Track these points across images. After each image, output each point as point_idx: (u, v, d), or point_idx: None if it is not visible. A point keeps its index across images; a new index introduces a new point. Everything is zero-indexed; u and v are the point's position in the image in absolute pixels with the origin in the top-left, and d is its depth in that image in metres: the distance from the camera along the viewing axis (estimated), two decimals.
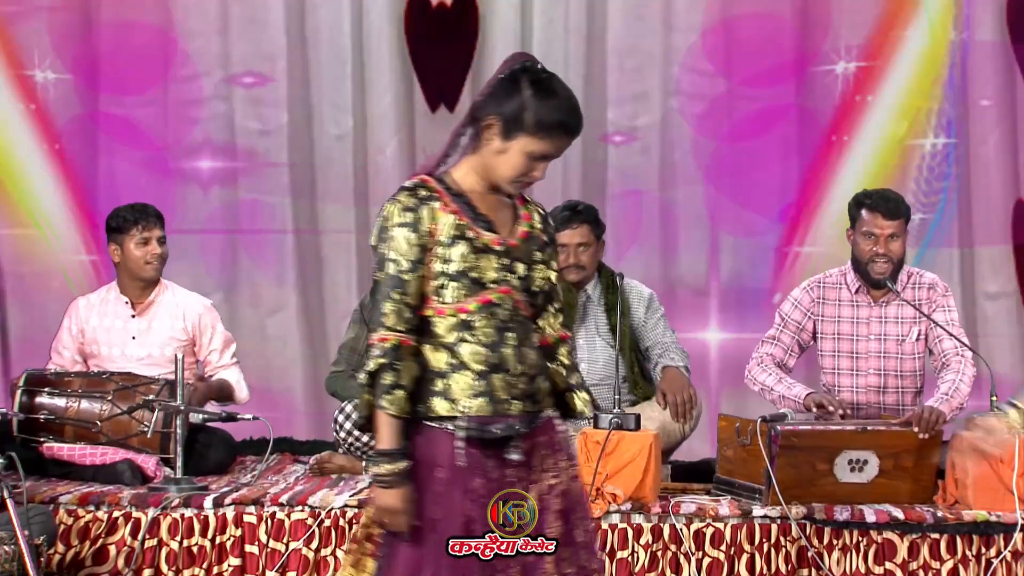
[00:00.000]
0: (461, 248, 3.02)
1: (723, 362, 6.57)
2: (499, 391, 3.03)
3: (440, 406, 3.01)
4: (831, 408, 4.90)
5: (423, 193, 3.04)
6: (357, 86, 6.76)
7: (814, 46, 6.73)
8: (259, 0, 6.76)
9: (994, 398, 4.82)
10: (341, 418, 5.26)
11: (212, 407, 5.35)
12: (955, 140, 6.71)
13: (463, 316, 3.03)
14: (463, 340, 3.03)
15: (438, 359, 3.03)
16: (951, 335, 5.03)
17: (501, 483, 3.03)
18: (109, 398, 5.16)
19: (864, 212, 5.08)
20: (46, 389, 5.20)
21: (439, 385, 3.02)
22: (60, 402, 5.18)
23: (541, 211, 3.21)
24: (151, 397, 5.08)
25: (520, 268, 3.09)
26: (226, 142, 6.77)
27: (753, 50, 6.74)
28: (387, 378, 2.98)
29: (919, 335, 5.13)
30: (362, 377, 3.01)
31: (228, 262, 6.78)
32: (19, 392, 5.16)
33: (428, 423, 3.02)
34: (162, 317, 5.46)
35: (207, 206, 6.77)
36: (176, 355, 4.99)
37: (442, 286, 3.02)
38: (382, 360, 2.98)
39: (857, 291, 5.17)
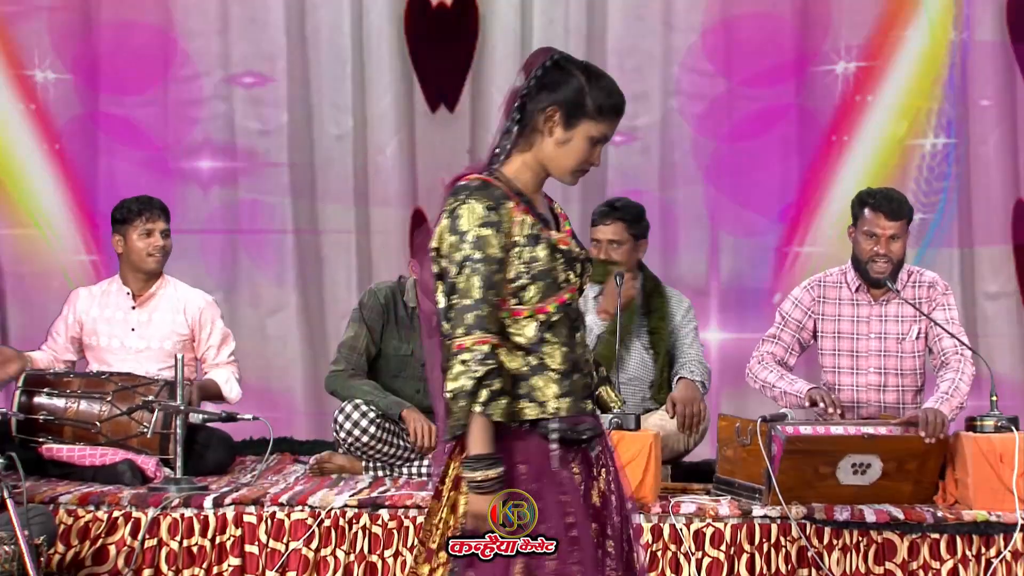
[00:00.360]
0: (541, 248, 2.99)
1: (723, 362, 6.56)
2: (579, 391, 3.03)
3: (529, 409, 2.97)
4: (825, 406, 4.90)
5: (497, 192, 2.99)
6: (357, 86, 6.76)
7: (814, 46, 6.73)
8: (259, 0, 6.76)
9: (994, 398, 4.82)
10: (341, 418, 5.25)
11: (211, 407, 5.36)
12: (955, 140, 6.71)
13: (542, 317, 2.99)
14: (544, 341, 2.99)
15: (516, 361, 2.98)
16: (950, 334, 5.03)
17: (579, 481, 3.02)
18: (108, 399, 5.15)
19: (867, 211, 5.08)
20: (45, 390, 5.19)
21: (523, 388, 2.97)
22: (59, 403, 5.17)
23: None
24: (150, 398, 5.07)
25: (578, 267, 3.07)
26: (226, 142, 6.77)
27: (753, 50, 6.74)
28: (495, 383, 2.90)
29: (919, 334, 5.13)
30: (464, 383, 2.89)
31: (228, 262, 6.78)
32: (18, 392, 5.16)
33: (515, 426, 2.97)
34: (163, 310, 5.47)
35: (207, 206, 6.77)
36: (176, 355, 5.00)
37: (523, 287, 2.98)
38: (490, 364, 2.89)
39: (857, 290, 5.17)
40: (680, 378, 5.33)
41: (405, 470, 5.30)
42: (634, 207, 5.43)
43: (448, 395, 2.91)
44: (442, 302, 2.98)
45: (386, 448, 5.26)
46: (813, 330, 5.23)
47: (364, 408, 5.24)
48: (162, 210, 5.47)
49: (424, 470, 5.28)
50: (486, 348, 2.90)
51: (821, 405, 4.93)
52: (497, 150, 3.06)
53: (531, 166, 3.06)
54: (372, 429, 5.22)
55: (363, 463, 5.30)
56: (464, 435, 2.92)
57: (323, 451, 5.45)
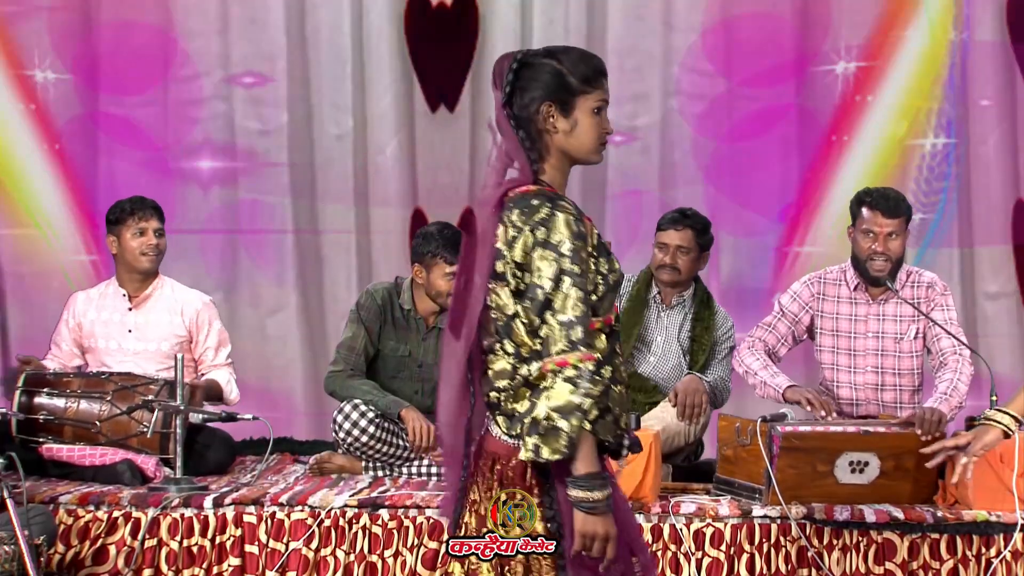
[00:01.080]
0: (610, 259, 2.95)
1: None
2: (627, 403, 2.98)
3: (606, 424, 2.89)
4: (814, 408, 4.90)
5: (570, 202, 2.91)
6: (357, 86, 6.76)
7: (814, 46, 6.73)
8: (259, 0, 6.76)
9: (994, 398, 4.82)
10: (340, 418, 5.25)
11: (211, 407, 5.35)
12: (955, 140, 6.71)
13: (607, 329, 2.92)
14: (612, 352, 2.92)
15: None
16: (949, 334, 5.03)
17: None
18: (108, 398, 5.15)
19: (864, 210, 5.09)
20: (45, 390, 5.19)
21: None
22: (59, 402, 5.17)
23: None
24: (150, 397, 5.08)
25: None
26: (226, 142, 6.77)
27: (753, 50, 6.74)
28: (604, 402, 2.84)
29: (917, 333, 5.13)
30: (574, 400, 2.77)
31: (228, 262, 6.78)
32: (18, 392, 5.16)
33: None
34: (160, 311, 5.47)
35: (207, 206, 6.77)
36: (176, 355, 5.00)
37: (600, 298, 2.91)
38: (600, 382, 2.80)
39: (856, 288, 5.18)
40: (688, 373, 5.36)
41: (405, 470, 5.30)
42: (703, 219, 5.51)
43: (550, 413, 2.78)
44: (514, 313, 2.88)
45: (385, 448, 5.26)
46: (808, 325, 5.25)
47: (363, 408, 5.24)
48: (155, 209, 5.46)
49: (424, 469, 5.29)
50: (591, 365, 2.80)
51: (809, 407, 4.92)
52: (529, 162, 2.97)
53: (557, 167, 3.00)
54: (371, 429, 5.22)
55: (363, 463, 5.30)
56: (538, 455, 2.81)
57: (323, 451, 5.45)
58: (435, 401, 5.30)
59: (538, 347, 2.85)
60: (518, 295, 2.88)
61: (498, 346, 2.91)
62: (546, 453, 2.79)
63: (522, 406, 2.88)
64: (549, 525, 2.90)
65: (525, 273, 2.87)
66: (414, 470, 5.30)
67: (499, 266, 2.90)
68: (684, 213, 5.50)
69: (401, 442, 5.29)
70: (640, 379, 5.39)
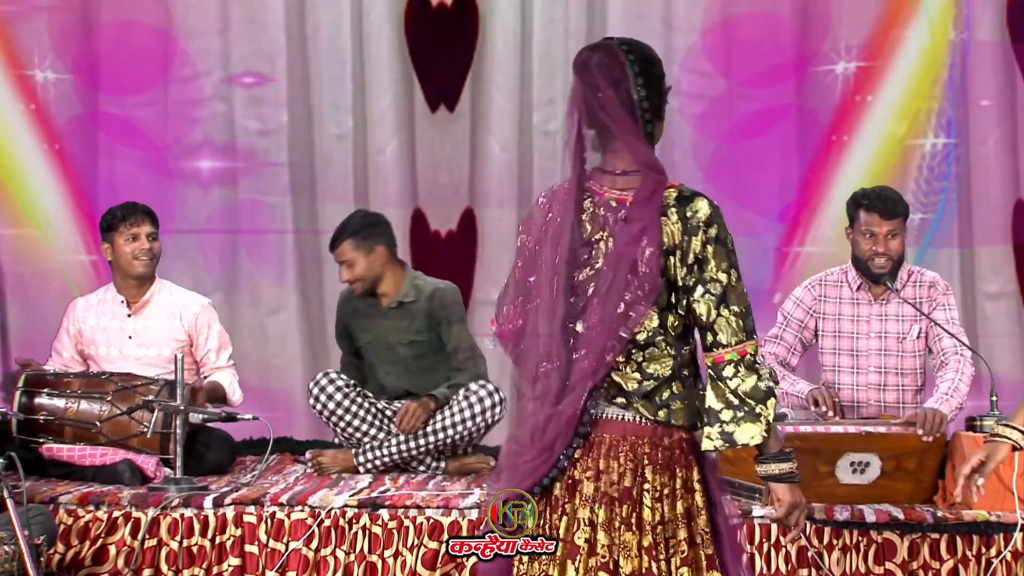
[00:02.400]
0: None
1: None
2: None
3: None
4: (826, 408, 4.91)
5: None
6: (357, 86, 6.76)
7: (814, 46, 6.73)
8: (259, 0, 6.76)
9: (994, 398, 4.82)
10: (316, 390, 5.35)
11: (211, 407, 5.35)
12: (955, 140, 6.71)
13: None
14: None
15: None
16: (950, 334, 5.03)
17: None
18: (108, 399, 5.15)
19: (862, 212, 5.09)
20: (45, 390, 5.19)
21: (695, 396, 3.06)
22: (59, 403, 5.17)
23: None
24: (150, 398, 5.08)
25: None
26: (226, 142, 6.77)
27: (753, 50, 6.74)
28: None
29: (919, 333, 5.13)
30: (769, 384, 3.00)
31: (228, 262, 6.78)
32: (18, 393, 5.16)
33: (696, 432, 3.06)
34: (159, 316, 5.46)
35: (207, 206, 6.77)
36: (176, 355, 5.00)
37: None
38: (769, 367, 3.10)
39: (858, 289, 5.17)
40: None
41: (377, 452, 5.35)
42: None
43: (745, 400, 2.97)
44: (668, 305, 3.02)
45: (354, 421, 5.31)
46: (815, 329, 5.24)
47: (332, 375, 5.36)
48: (147, 213, 5.46)
49: (396, 450, 5.36)
50: (761, 352, 3.11)
51: (823, 408, 4.93)
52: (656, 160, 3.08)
53: None
54: (338, 396, 5.28)
55: (354, 455, 5.33)
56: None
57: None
58: (409, 380, 5.43)
59: (683, 338, 3.03)
60: (684, 290, 3.01)
61: (659, 338, 3.00)
62: (744, 438, 2.98)
63: (671, 393, 3.01)
64: (704, 499, 3.04)
65: (695, 269, 3.01)
66: (385, 451, 5.35)
67: (663, 262, 3.01)
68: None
69: (371, 418, 5.32)
70: None
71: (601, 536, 2.96)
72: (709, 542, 3.02)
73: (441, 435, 5.34)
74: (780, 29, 6.74)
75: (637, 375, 3.00)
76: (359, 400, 5.36)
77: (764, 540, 4.53)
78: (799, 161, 6.78)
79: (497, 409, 5.36)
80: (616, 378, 3.00)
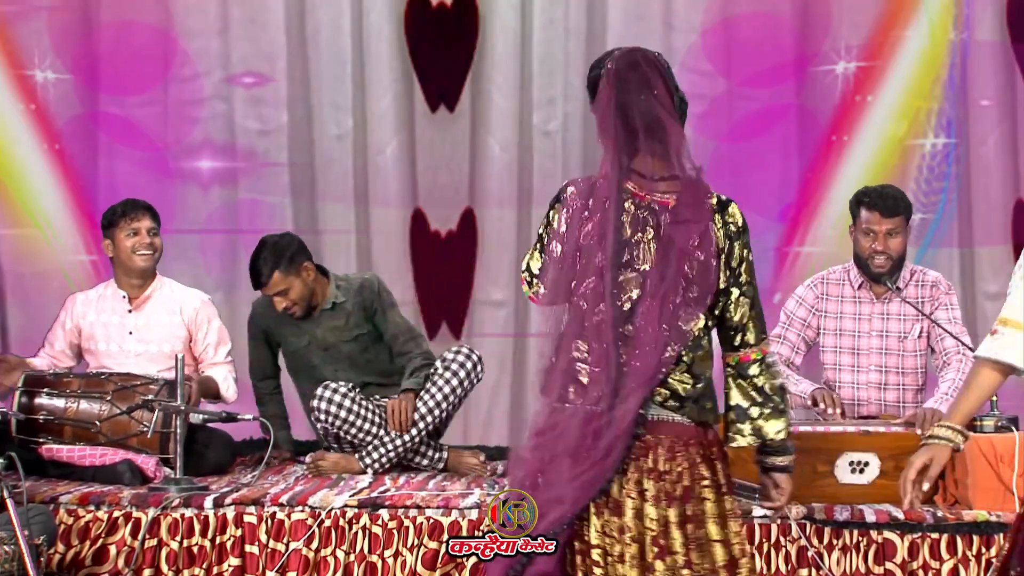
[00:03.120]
0: None
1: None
2: None
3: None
4: (826, 406, 4.91)
5: None
6: (357, 86, 6.76)
7: (814, 46, 6.73)
8: (259, 0, 6.76)
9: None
10: (324, 404, 5.33)
11: (211, 407, 5.36)
12: (955, 140, 6.71)
13: None
14: None
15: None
16: (952, 334, 5.03)
17: None
18: (108, 398, 5.15)
19: (863, 210, 5.09)
20: (45, 390, 5.19)
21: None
22: (59, 403, 5.17)
23: None
24: (150, 397, 5.08)
25: None
26: (226, 142, 6.77)
27: (753, 50, 6.74)
28: None
29: (921, 332, 5.13)
30: (783, 381, 3.21)
31: (228, 262, 6.78)
32: (18, 393, 5.16)
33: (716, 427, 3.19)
34: (159, 312, 5.47)
35: (207, 206, 6.77)
36: (176, 355, 5.00)
37: None
38: None
39: (859, 287, 5.18)
40: None
41: (376, 454, 5.35)
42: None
43: (773, 397, 3.17)
44: (745, 310, 3.15)
45: (364, 424, 5.33)
46: (818, 328, 5.24)
47: (333, 386, 5.35)
48: (147, 209, 5.47)
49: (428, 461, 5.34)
50: None
51: (822, 405, 4.94)
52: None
53: None
54: (347, 403, 5.32)
55: (357, 457, 5.33)
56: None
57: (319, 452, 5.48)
58: (358, 374, 5.44)
59: (705, 340, 3.10)
60: (723, 292, 3.11)
61: (705, 340, 3.10)
62: (771, 432, 3.19)
63: (705, 393, 3.12)
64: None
65: (734, 272, 3.12)
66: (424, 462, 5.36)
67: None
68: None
69: (371, 415, 5.35)
70: None
71: (676, 534, 3.02)
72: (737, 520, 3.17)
73: (436, 412, 5.35)
74: (780, 29, 6.74)
75: (688, 376, 3.07)
76: (362, 403, 5.36)
77: (764, 540, 4.53)
78: (799, 161, 6.78)
79: (478, 368, 5.44)
80: (671, 380, 3.06)
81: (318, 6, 6.78)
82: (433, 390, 5.36)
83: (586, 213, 3.07)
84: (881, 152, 6.76)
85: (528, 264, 3.26)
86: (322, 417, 5.32)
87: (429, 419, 5.35)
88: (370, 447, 5.34)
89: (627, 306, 3.02)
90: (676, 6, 6.74)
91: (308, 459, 5.39)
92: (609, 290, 3.01)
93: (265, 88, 6.77)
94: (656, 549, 2.99)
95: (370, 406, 5.38)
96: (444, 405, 5.37)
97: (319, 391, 5.34)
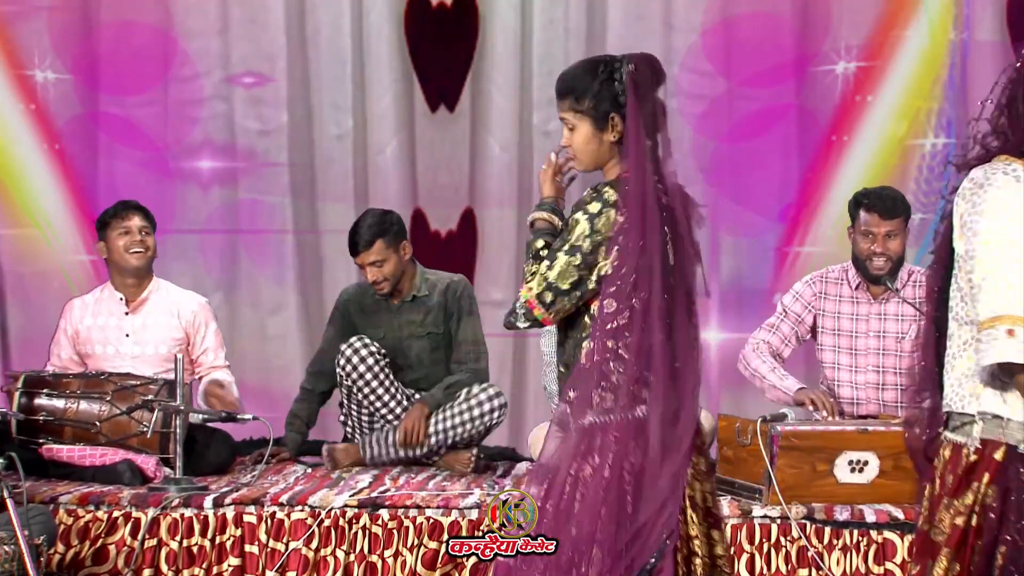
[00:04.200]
0: None
1: (723, 362, 6.56)
2: None
3: None
4: (816, 408, 4.91)
5: None
6: (357, 86, 6.76)
7: (814, 46, 6.73)
8: (259, 0, 6.76)
9: None
10: (349, 352, 5.36)
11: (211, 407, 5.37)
12: (955, 140, 6.70)
13: None
14: None
15: None
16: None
17: None
18: (108, 399, 5.15)
19: (862, 212, 5.10)
20: (44, 390, 5.19)
21: None
22: (59, 403, 5.17)
23: None
24: (150, 397, 5.08)
25: None
26: (226, 142, 6.77)
27: (753, 50, 6.74)
28: None
29: (919, 333, 5.13)
30: None
31: (228, 262, 6.78)
32: (18, 394, 5.16)
33: None
34: (156, 314, 5.47)
35: (207, 206, 6.77)
36: (176, 355, 5.00)
37: None
38: None
39: (857, 288, 5.18)
40: None
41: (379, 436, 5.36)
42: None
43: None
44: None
45: (379, 389, 5.35)
46: (812, 325, 5.25)
47: (366, 340, 5.37)
48: (138, 208, 5.47)
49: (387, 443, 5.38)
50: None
51: (810, 408, 4.93)
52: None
53: None
54: (370, 361, 5.32)
55: (364, 450, 5.34)
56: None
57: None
58: (422, 373, 5.45)
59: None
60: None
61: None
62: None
63: None
64: None
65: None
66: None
67: None
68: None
69: (393, 390, 5.39)
70: None
71: (709, 499, 3.28)
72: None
73: (441, 436, 5.35)
74: (780, 29, 6.73)
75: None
76: (388, 371, 5.37)
77: (764, 540, 4.53)
78: (799, 161, 6.77)
79: (496, 413, 5.39)
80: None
81: (318, 6, 6.78)
82: (448, 414, 5.36)
83: (623, 217, 3.23)
84: (881, 152, 6.75)
85: (552, 282, 3.18)
86: (347, 367, 5.34)
87: (433, 439, 5.35)
88: (374, 439, 5.35)
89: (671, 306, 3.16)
90: (676, 6, 6.74)
91: (324, 449, 5.41)
92: (662, 292, 3.13)
93: (265, 88, 6.77)
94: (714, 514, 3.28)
95: (392, 379, 5.38)
96: (451, 434, 5.36)
97: (351, 339, 5.37)
